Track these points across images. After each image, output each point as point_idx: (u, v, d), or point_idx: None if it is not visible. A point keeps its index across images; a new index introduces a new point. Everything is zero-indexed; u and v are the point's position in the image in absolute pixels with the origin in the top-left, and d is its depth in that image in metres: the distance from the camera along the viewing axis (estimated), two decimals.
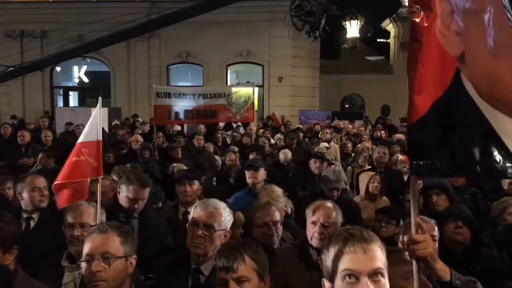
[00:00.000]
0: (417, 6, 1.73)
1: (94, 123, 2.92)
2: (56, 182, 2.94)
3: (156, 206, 4.27)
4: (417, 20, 1.73)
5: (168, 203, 4.32)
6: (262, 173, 4.31)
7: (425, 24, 1.71)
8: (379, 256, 1.42)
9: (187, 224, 2.34)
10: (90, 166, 2.88)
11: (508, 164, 1.59)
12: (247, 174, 4.31)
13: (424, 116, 1.72)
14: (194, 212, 2.34)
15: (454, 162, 1.69)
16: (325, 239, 2.56)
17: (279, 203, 3.41)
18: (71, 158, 2.92)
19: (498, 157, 1.60)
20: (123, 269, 1.87)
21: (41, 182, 3.30)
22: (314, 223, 2.69)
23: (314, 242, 2.67)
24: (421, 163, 1.74)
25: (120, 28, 16.24)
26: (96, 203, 2.67)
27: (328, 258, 1.46)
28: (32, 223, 3.18)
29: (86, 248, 1.87)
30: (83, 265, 1.87)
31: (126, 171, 3.99)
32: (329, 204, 2.82)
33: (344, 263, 1.40)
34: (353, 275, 1.38)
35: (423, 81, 1.73)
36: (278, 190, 3.64)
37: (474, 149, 1.63)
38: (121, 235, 1.90)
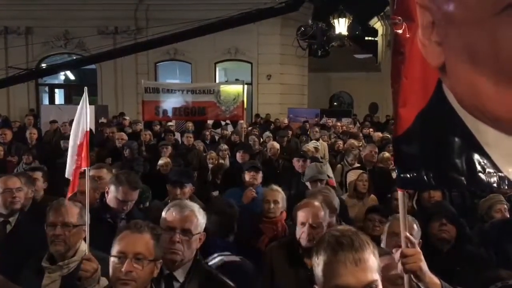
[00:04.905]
0: (399, 18, 1.72)
1: (82, 115, 2.86)
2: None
3: (143, 206, 4.21)
4: (400, 31, 1.73)
5: (155, 202, 4.25)
6: (260, 176, 4.44)
7: (407, 35, 1.70)
8: (371, 266, 1.36)
9: (161, 229, 2.20)
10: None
11: (492, 173, 1.61)
12: (248, 174, 4.40)
13: (409, 129, 1.73)
14: (169, 216, 2.22)
15: (440, 174, 1.70)
16: (313, 240, 2.59)
17: (280, 205, 3.53)
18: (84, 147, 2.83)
19: (482, 167, 1.62)
20: (151, 272, 1.87)
21: (14, 183, 3.11)
22: (303, 224, 2.69)
23: (303, 242, 2.68)
24: (408, 176, 1.75)
25: (107, 24, 16.11)
26: (79, 203, 2.60)
27: (318, 267, 1.40)
28: (9, 227, 3.02)
29: (119, 244, 1.85)
30: (113, 260, 1.84)
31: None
32: (317, 203, 2.81)
33: (335, 278, 1.33)
34: None
35: (407, 93, 1.74)
36: (282, 194, 3.65)
37: (459, 160, 1.65)
38: (154, 237, 1.89)
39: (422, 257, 1.69)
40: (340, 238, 1.38)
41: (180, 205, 2.28)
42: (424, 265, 1.67)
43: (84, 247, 2.42)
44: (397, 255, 1.70)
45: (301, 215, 2.73)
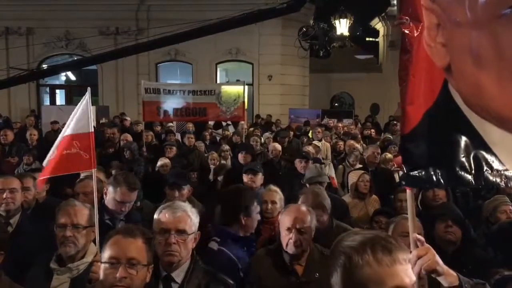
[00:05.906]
0: (406, 17, 1.74)
1: (84, 115, 2.84)
2: (42, 177, 2.97)
3: (135, 205, 4.17)
4: (407, 31, 1.75)
5: (146, 202, 4.19)
6: (260, 178, 4.34)
7: (415, 35, 1.73)
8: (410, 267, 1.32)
9: (155, 232, 2.19)
10: (82, 159, 2.80)
11: (500, 172, 1.62)
12: (245, 177, 4.31)
13: (417, 127, 1.74)
14: (162, 217, 2.19)
15: (448, 172, 1.70)
16: (300, 246, 2.55)
17: (278, 205, 3.51)
18: (61, 151, 2.83)
19: (489, 165, 1.63)
20: (145, 277, 1.84)
21: (8, 183, 3.05)
22: (289, 229, 2.58)
23: (290, 249, 2.59)
24: (416, 174, 1.75)
25: (108, 25, 16.11)
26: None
27: (359, 270, 1.23)
28: (10, 229, 2.95)
29: (111, 249, 1.81)
30: (104, 266, 1.80)
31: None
32: (303, 208, 2.72)
33: (392, 278, 1.21)
34: None
35: (415, 91, 1.75)
36: (280, 195, 3.62)
37: (466, 159, 1.66)
38: (146, 242, 1.86)
39: (434, 252, 1.66)
40: (386, 238, 1.29)
41: (172, 207, 2.25)
42: (439, 259, 1.65)
43: (93, 248, 2.41)
44: (411, 259, 1.66)
45: (287, 220, 2.60)
